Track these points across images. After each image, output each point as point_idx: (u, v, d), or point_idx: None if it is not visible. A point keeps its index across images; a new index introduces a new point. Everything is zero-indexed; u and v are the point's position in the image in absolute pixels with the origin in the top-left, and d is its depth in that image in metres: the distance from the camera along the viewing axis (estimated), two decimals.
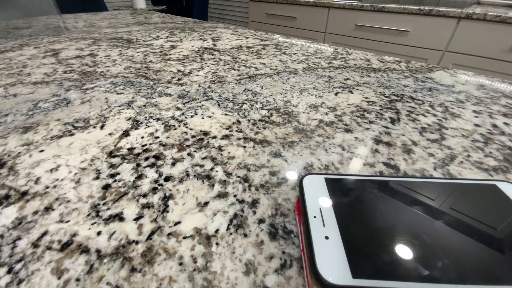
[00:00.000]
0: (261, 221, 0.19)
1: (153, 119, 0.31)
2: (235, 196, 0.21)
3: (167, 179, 0.23)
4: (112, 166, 0.24)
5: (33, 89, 0.39)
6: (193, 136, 0.28)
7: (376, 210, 0.17)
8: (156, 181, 0.22)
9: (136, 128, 0.30)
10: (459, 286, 0.13)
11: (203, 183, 0.22)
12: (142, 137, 0.28)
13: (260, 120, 0.31)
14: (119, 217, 0.19)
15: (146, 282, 0.15)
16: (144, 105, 0.35)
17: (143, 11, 1.20)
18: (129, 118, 0.32)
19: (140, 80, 0.43)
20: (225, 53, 0.57)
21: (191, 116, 0.32)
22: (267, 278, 0.16)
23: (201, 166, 0.24)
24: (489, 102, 0.37)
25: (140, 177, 0.23)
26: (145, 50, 0.59)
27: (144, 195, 0.21)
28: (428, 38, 1.30)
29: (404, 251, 0.14)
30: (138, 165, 0.24)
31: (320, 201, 0.17)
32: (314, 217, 0.16)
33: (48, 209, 0.20)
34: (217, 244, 0.17)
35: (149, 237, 0.18)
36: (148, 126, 0.30)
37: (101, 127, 0.30)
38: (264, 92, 0.38)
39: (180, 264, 0.16)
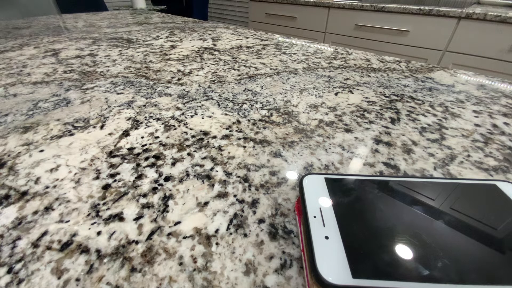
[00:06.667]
0: (261, 221, 0.19)
1: (153, 119, 0.31)
2: (235, 196, 0.21)
3: (167, 179, 0.23)
4: (112, 166, 0.24)
5: (33, 89, 0.39)
6: (193, 136, 0.28)
7: (376, 210, 0.17)
8: (156, 181, 0.22)
9: (136, 128, 0.30)
10: (459, 286, 0.13)
11: (203, 183, 0.22)
12: (142, 137, 0.28)
13: (260, 120, 0.31)
14: (119, 217, 0.19)
15: (146, 282, 0.15)
16: (144, 105, 0.35)
17: (143, 11, 1.20)
18: (129, 118, 0.32)
19: (140, 80, 0.43)
20: (225, 53, 0.57)
21: (191, 116, 0.32)
22: (267, 278, 0.16)
23: (201, 166, 0.24)
24: (489, 102, 0.37)
25: (140, 177, 0.23)
26: (145, 50, 0.59)
27: (144, 195, 0.21)
28: (428, 38, 1.30)
29: (404, 251, 0.14)
30: (138, 165, 0.24)
31: (320, 201, 0.17)
32: (314, 217, 0.16)
33: (48, 209, 0.20)
34: (217, 244, 0.17)
35: (149, 237, 0.18)
36: (148, 126, 0.30)
37: (101, 127, 0.30)
38: (264, 92, 0.38)
39: (180, 264, 0.16)
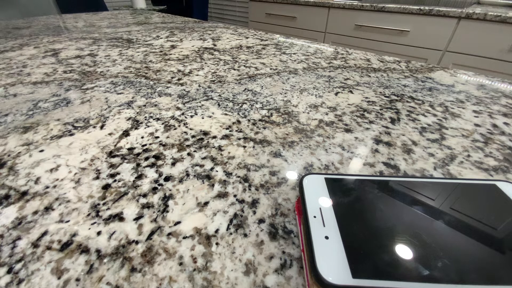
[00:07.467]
0: (261, 221, 0.19)
1: (153, 119, 0.31)
2: (235, 196, 0.21)
3: (167, 179, 0.23)
4: (112, 166, 0.24)
5: (33, 89, 0.39)
6: (193, 136, 0.28)
7: (376, 210, 0.17)
8: (156, 181, 0.22)
9: (136, 128, 0.30)
10: (459, 286, 0.13)
11: (203, 183, 0.22)
12: (142, 137, 0.28)
13: (260, 120, 0.31)
14: (119, 217, 0.19)
15: (146, 282, 0.15)
16: (144, 105, 0.35)
17: (143, 11, 1.20)
18: (129, 118, 0.32)
19: (140, 80, 0.43)
20: (225, 53, 0.57)
21: (191, 116, 0.32)
22: (267, 278, 0.16)
23: (201, 166, 0.24)
24: (489, 102, 0.37)
25: (140, 177, 0.23)
26: (145, 50, 0.59)
27: (144, 195, 0.21)
28: (428, 38, 1.30)
29: (404, 251, 0.14)
30: (138, 165, 0.24)
31: (320, 201, 0.17)
32: (314, 217, 0.16)
33: (48, 209, 0.20)
34: (217, 244, 0.17)
35: (149, 237, 0.18)
36: (148, 126, 0.30)
37: (101, 127, 0.30)
38: (264, 92, 0.38)
39: (180, 264, 0.16)
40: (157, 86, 0.40)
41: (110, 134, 0.29)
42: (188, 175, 0.23)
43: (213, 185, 0.22)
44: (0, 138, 0.28)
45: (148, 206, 0.20)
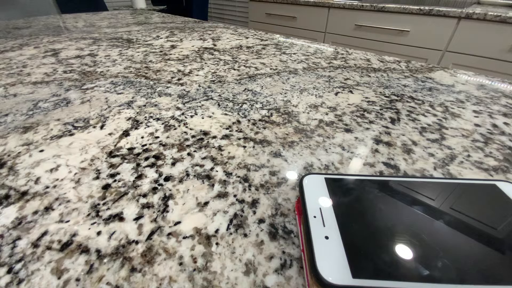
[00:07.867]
0: (261, 221, 0.19)
1: (153, 119, 0.31)
2: (235, 196, 0.21)
3: (167, 179, 0.23)
4: (112, 166, 0.24)
5: (33, 89, 0.39)
6: (193, 136, 0.28)
7: (376, 210, 0.17)
8: (156, 181, 0.22)
9: (136, 128, 0.30)
10: (459, 286, 0.13)
11: (203, 183, 0.22)
12: (142, 137, 0.28)
13: (260, 120, 0.31)
14: (119, 217, 0.19)
15: (146, 282, 0.15)
16: (144, 105, 0.35)
17: (143, 11, 1.20)
18: (129, 118, 0.32)
19: (140, 80, 0.43)
20: (225, 53, 0.57)
21: (191, 116, 0.32)
22: (267, 278, 0.16)
23: (201, 166, 0.24)
24: (489, 102, 0.37)
25: (140, 177, 0.23)
26: (145, 50, 0.59)
27: (144, 195, 0.21)
28: (428, 38, 1.30)
29: (404, 251, 0.14)
30: (138, 165, 0.24)
31: (320, 201, 0.17)
32: (314, 217, 0.16)
33: (48, 209, 0.20)
34: (217, 244, 0.17)
35: (149, 237, 0.18)
36: (148, 126, 0.30)
37: (101, 127, 0.30)
38: (264, 92, 0.38)
39: (180, 264, 0.16)
40: (157, 86, 0.40)
41: (110, 134, 0.29)
42: (188, 175, 0.23)
43: (213, 185, 0.22)
44: (0, 138, 0.28)
45: (148, 206, 0.20)
